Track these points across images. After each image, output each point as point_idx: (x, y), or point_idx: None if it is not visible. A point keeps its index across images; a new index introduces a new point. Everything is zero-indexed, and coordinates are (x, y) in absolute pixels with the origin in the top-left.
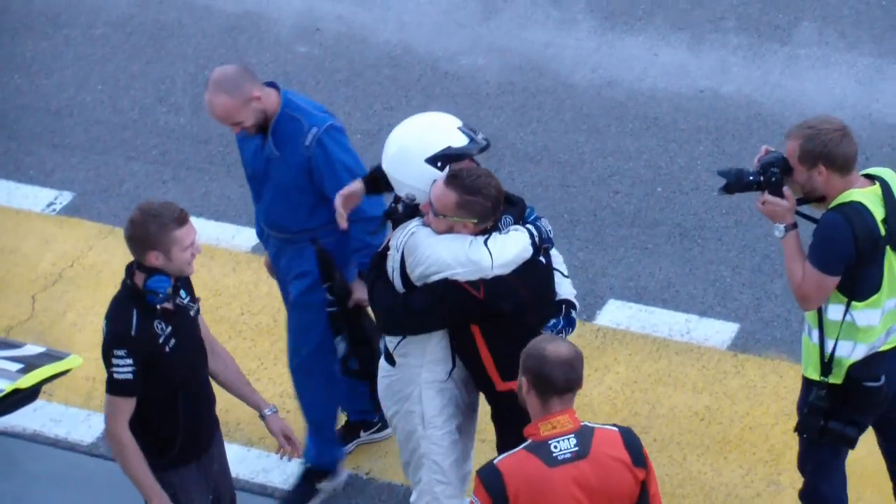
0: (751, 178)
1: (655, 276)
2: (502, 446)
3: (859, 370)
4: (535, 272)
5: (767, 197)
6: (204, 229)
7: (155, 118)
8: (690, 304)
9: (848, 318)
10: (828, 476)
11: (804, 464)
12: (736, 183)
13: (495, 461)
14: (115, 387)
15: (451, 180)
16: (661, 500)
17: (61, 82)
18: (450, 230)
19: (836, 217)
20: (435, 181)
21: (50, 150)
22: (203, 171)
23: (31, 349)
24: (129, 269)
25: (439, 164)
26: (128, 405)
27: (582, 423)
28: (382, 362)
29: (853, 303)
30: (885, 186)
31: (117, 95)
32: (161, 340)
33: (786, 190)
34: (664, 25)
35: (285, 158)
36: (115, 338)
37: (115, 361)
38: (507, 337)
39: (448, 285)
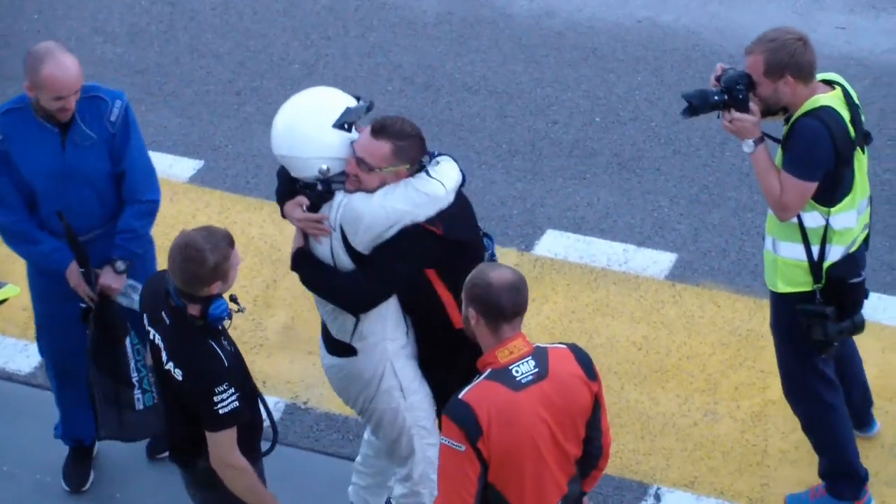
0: (716, 97)
1: (593, 206)
2: (447, 386)
3: (840, 269)
4: (465, 199)
5: (735, 114)
6: None
7: (91, 48)
8: (628, 234)
9: (826, 222)
10: (827, 384)
11: (799, 385)
12: (701, 104)
13: (460, 395)
14: (224, 422)
15: (380, 131)
16: (606, 410)
17: None
18: (382, 184)
19: (812, 122)
20: (357, 140)
21: None
22: (140, 102)
23: None
24: (178, 301)
25: (346, 127)
26: (235, 431)
27: (535, 345)
28: (331, 360)
29: (831, 207)
30: (843, 90)
31: (53, 25)
32: (235, 354)
33: (752, 105)
34: None
35: (97, 142)
36: (213, 378)
37: (217, 399)
38: (460, 272)
39: (407, 234)
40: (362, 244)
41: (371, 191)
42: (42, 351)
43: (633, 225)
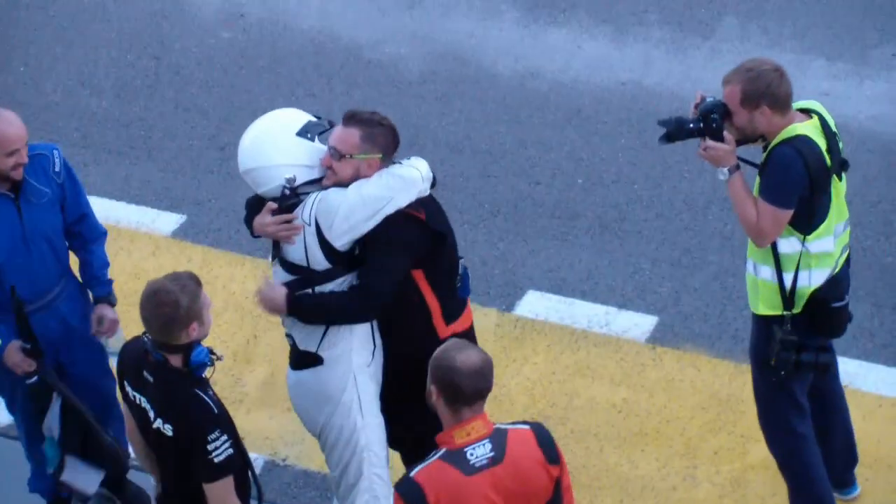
0: (691, 125)
1: (575, 268)
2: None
3: (824, 293)
4: (436, 200)
5: (709, 143)
6: (125, 213)
7: (77, 101)
8: (609, 296)
9: (803, 249)
10: (800, 414)
11: (773, 412)
12: (677, 131)
13: (412, 474)
14: (220, 469)
15: (350, 119)
16: (572, 492)
17: None
18: (356, 172)
19: (788, 150)
20: (331, 135)
21: None
22: (124, 155)
23: None
24: (157, 355)
25: (309, 136)
26: (231, 480)
27: (495, 426)
28: (296, 376)
29: (807, 234)
30: (821, 118)
31: (40, 77)
32: (221, 404)
33: (726, 134)
34: (587, 18)
35: (50, 198)
36: (205, 425)
37: (211, 447)
38: (443, 275)
39: (393, 223)
40: (337, 236)
41: (345, 180)
42: (9, 409)
43: (615, 287)
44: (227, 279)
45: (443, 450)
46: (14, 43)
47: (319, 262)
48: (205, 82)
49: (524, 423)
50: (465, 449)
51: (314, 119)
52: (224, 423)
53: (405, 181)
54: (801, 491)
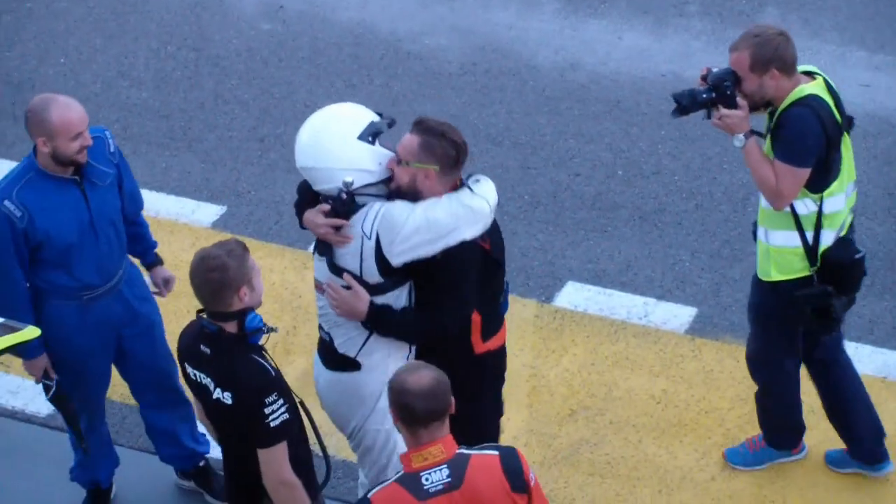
0: (704, 95)
1: (614, 259)
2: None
3: (837, 252)
4: (498, 228)
5: (724, 111)
6: (164, 205)
7: (117, 92)
8: (649, 287)
9: (817, 208)
10: (794, 359)
11: (770, 357)
12: (691, 103)
13: (369, 494)
14: (276, 435)
15: (417, 125)
16: None
17: (24, 55)
18: (413, 181)
19: (802, 111)
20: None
21: (11, 123)
22: (164, 147)
23: None
24: (212, 327)
25: (370, 139)
26: (286, 447)
27: (458, 451)
28: (330, 375)
29: (822, 192)
30: (824, 79)
31: (79, 69)
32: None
33: (739, 100)
34: (628, 9)
35: (112, 180)
36: (262, 388)
37: (268, 410)
38: (490, 295)
39: (463, 248)
40: (397, 254)
41: (403, 186)
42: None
43: (654, 278)
44: (267, 270)
45: (401, 472)
46: (55, 35)
47: (373, 275)
48: (244, 74)
49: (495, 447)
50: (421, 473)
51: (376, 119)
52: (281, 387)
53: (474, 214)
54: (776, 416)
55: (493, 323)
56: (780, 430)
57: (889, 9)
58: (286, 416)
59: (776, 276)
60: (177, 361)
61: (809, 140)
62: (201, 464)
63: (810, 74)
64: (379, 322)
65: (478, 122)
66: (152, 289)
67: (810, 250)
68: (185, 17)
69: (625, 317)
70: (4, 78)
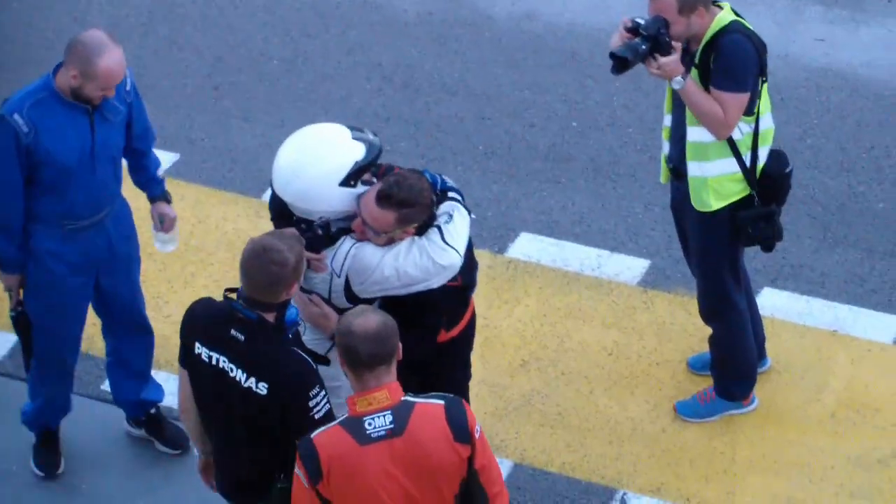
0: (643, 47)
1: (568, 211)
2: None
3: (773, 165)
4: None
5: (662, 60)
6: None
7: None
8: (602, 239)
9: (751, 129)
10: (741, 292)
11: (720, 291)
12: (633, 57)
13: (312, 435)
14: (320, 426)
15: (385, 201)
16: (494, 471)
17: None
18: (391, 242)
19: (735, 37)
20: (362, 201)
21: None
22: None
23: None
24: (252, 315)
25: (352, 183)
26: None
27: (403, 398)
28: None
29: (755, 114)
30: (730, 5)
31: (35, 15)
32: None
33: (673, 43)
34: None
35: (122, 117)
36: (307, 381)
37: (312, 403)
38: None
39: (433, 292)
40: (366, 292)
41: (380, 245)
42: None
43: (607, 230)
44: (220, 218)
45: (345, 415)
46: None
47: (341, 302)
48: (199, 21)
49: (440, 396)
50: (365, 418)
51: (360, 157)
52: (321, 379)
53: (444, 270)
54: (733, 356)
55: (458, 313)
56: (734, 377)
57: None
58: (328, 406)
59: (716, 205)
60: (180, 337)
61: (749, 63)
62: (153, 411)
63: (716, 4)
64: None
65: (433, 72)
66: (156, 225)
67: (749, 171)
68: None
69: (578, 268)
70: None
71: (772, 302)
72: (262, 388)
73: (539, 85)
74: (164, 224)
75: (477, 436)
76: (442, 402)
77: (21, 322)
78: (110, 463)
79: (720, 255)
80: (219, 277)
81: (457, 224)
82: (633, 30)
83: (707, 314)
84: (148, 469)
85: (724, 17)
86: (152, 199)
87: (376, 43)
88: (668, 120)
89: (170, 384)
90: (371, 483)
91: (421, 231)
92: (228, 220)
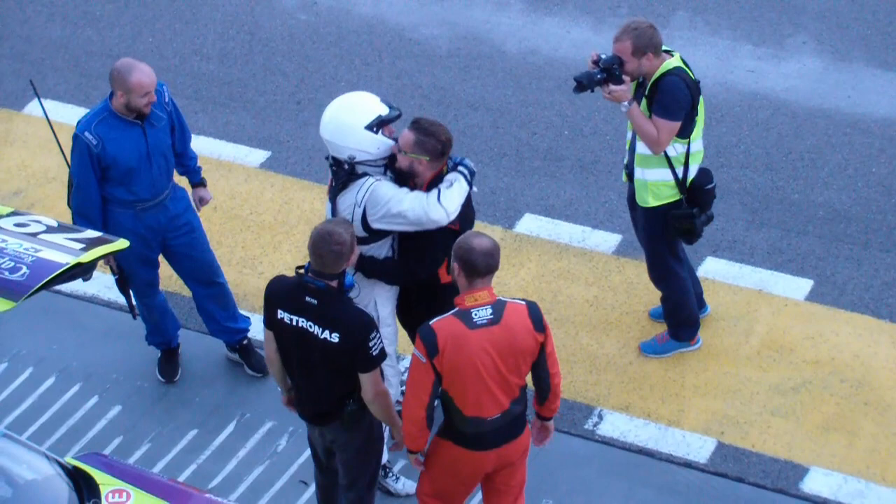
0: (598, 76)
1: (560, 197)
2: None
3: (700, 179)
4: (469, 198)
5: (613, 88)
6: (225, 150)
7: (191, 65)
8: (586, 219)
9: (685, 150)
10: (680, 263)
11: (663, 267)
12: (589, 82)
13: (431, 323)
14: (376, 360)
15: (413, 124)
16: (556, 357)
17: (121, 35)
18: (410, 165)
19: (673, 78)
20: (401, 134)
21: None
22: (225, 106)
23: (90, 233)
24: (321, 284)
25: (375, 129)
26: (380, 369)
27: (498, 298)
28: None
29: (689, 137)
30: (679, 56)
31: (163, 47)
32: None
33: (624, 77)
34: (574, 10)
35: (166, 123)
36: (367, 327)
37: (371, 344)
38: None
39: (436, 230)
40: (376, 223)
41: (402, 168)
42: (132, 284)
43: (590, 212)
44: (301, 201)
45: (456, 308)
46: (145, 20)
47: (360, 231)
48: (286, 52)
49: (523, 300)
50: (472, 310)
51: (384, 112)
52: (377, 325)
53: (433, 223)
54: (679, 309)
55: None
56: (681, 324)
57: (770, 13)
58: (382, 345)
59: (653, 203)
60: (264, 307)
61: (681, 99)
62: (245, 342)
63: (668, 52)
64: (365, 267)
65: (460, 93)
66: (196, 205)
67: (680, 182)
68: (243, 8)
69: (567, 241)
70: (107, 52)
71: (713, 268)
72: (335, 337)
73: (540, 103)
74: (202, 204)
75: (548, 327)
76: (524, 302)
77: (121, 281)
78: (215, 382)
79: (659, 238)
80: (301, 246)
81: (454, 190)
82: (597, 62)
83: (654, 280)
84: (242, 386)
85: (670, 62)
86: (193, 185)
87: (417, 71)
88: (629, 135)
89: (255, 321)
90: (473, 358)
91: (429, 188)
92: (306, 202)
